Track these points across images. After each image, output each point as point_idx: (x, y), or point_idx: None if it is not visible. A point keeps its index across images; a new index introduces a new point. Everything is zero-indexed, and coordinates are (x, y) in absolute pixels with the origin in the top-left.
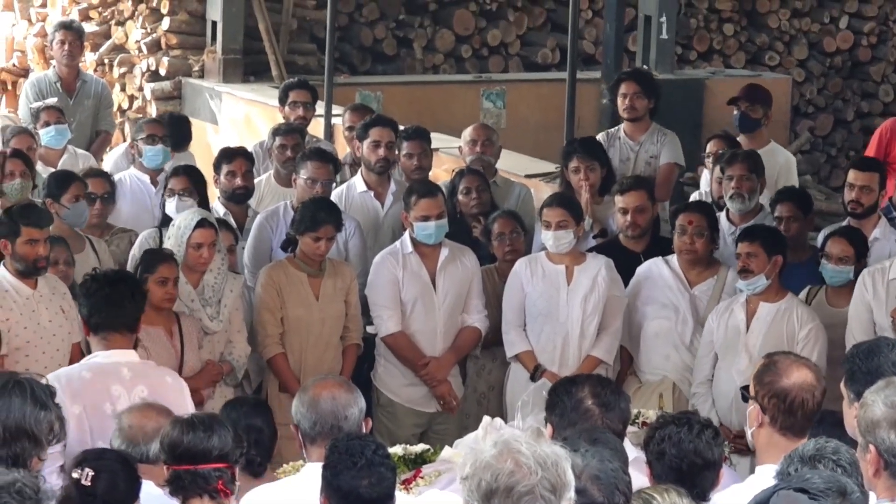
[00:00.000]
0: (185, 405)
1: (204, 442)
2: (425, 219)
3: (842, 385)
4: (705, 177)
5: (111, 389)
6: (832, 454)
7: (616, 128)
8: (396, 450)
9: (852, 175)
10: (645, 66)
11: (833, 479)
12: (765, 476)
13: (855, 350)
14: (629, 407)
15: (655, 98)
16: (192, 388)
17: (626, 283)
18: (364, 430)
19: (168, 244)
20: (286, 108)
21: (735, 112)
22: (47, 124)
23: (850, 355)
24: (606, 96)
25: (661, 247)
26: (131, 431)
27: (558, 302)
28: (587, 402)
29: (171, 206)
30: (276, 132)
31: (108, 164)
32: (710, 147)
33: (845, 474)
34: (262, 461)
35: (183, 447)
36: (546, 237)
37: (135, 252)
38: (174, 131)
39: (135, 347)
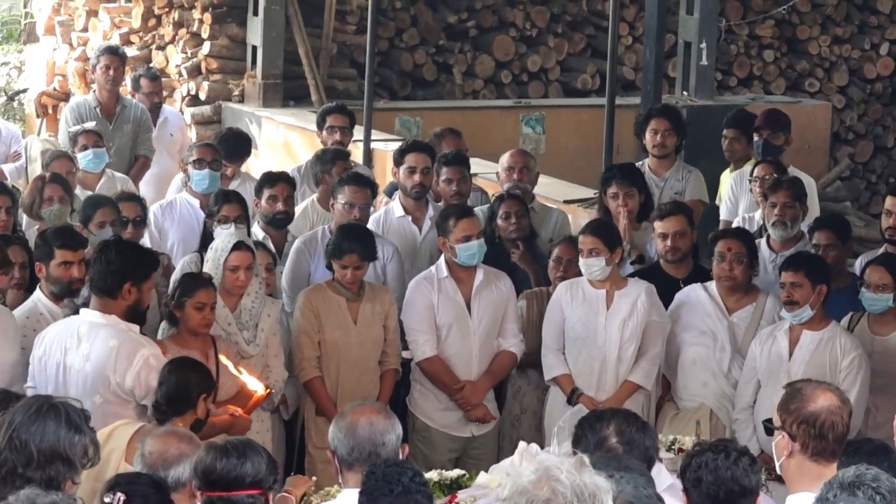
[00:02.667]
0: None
1: (237, 468)
2: (467, 239)
3: None
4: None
5: (66, 343)
6: (872, 482)
7: (640, 162)
8: (432, 475)
9: (890, 202)
10: (685, 93)
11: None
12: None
13: None
14: (656, 443)
15: (683, 135)
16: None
17: (665, 309)
18: (401, 457)
19: (206, 267)
20: (324, 132)
21: (756, 139)
22: (85, 148)
23: None
24: None
25: (701, 274)
26: (151, 458)
27: (596, 326)
28: (611, 441)
29: (225, 234)
30: (336, 156)
31: (171, 189)
32: (758, 172)
33: (884, 502)
34: (165, 411)
35: (216, 473)
36: (580, 264)
37: (175, 276)
38: (230, 145)
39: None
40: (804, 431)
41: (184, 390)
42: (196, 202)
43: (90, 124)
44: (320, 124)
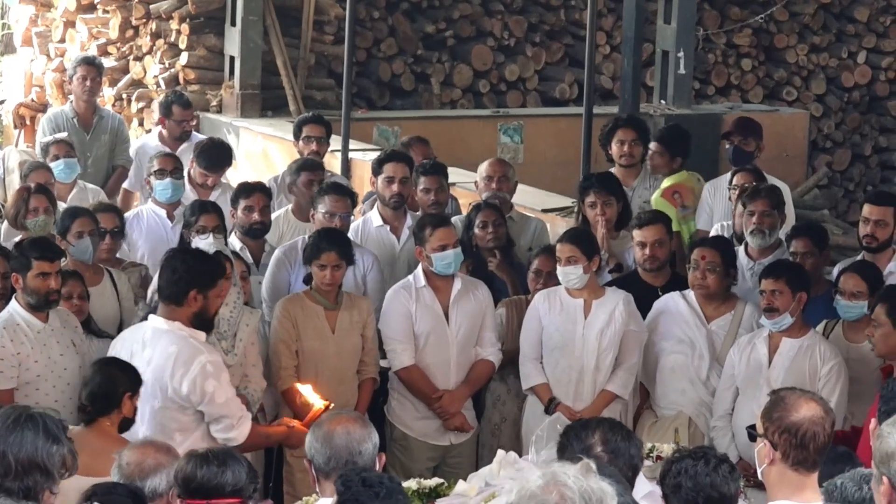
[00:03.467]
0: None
1: (217, 477)
2: (443, 248)
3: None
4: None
5: (132, 348)
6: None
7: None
8: (410, 484)
9: (867, 209)
10: (662, 102)
11: None
12: None
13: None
14: (640, 452)
15: (647, 144)
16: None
17: (644, 318)
18: (378, 466)
19: None
20: (300, 142)
21: (727, 146)
22: (56, 158)
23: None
24: None
25: (680, 283)
26: (129, 468)
27: (574, 335)
28: (596, 449)
29: (203, 244)
30: (302, 167)
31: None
32: (737, 180)
33: None
34: (90, 410)
35: (197, 482)
36: (558, 272)
37: (153, 287)
38: (211, 155)
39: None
40: (785, 441)
41: (109, 390)
42: (163, 212)
43: (62, 134)
44: (297, 135)
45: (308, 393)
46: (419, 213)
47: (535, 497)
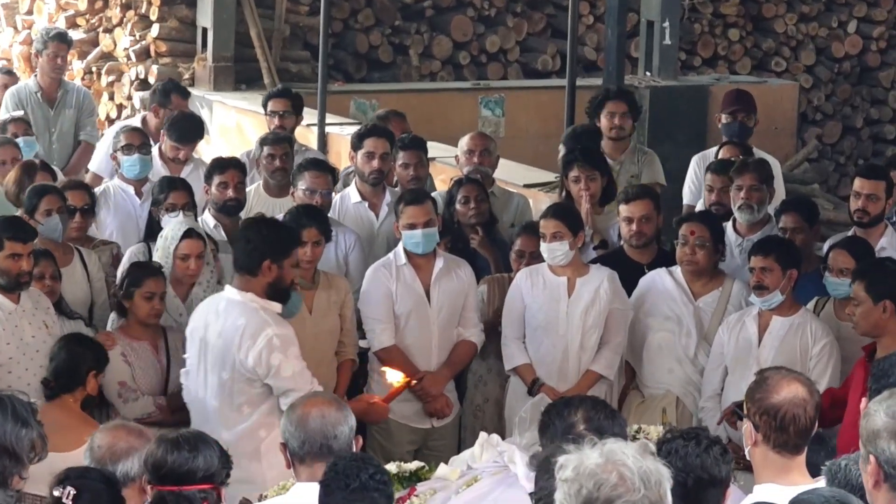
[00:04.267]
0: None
1: (189, 462)
2: (412, 227)
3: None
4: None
5: (207, 318)
6: None
7: None
8: (391, 467)
9: (858, 183)
10: (648, 73)
11: (838, 493)
12: (762, 495)
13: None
14: (625, 431)
15: (637, 117)
16: (178, 405)
17: (629, 295)
18: (355, 449)
19: (156, 256)
20: (267, 117)
21: (727, 121)
22: (15, 136)
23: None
24: None
25: (666, 259)
26: (100, 452)
27: (558, 314)
28: (579, 427)
29: (173, 222)
30: (263, 142)
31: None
32: (724, 153)
33: None
34: (54, 387)
35: (167, 467)
36: (542, 249)
37: (123, 266)
38: (181, 128)
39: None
40: (765, 423)
41: (72, 366)
42: (130, 188)
43: (18, 113)
44: (264, 108)
45: (386, 369)
46: (398, 188)
47: (593, 475)
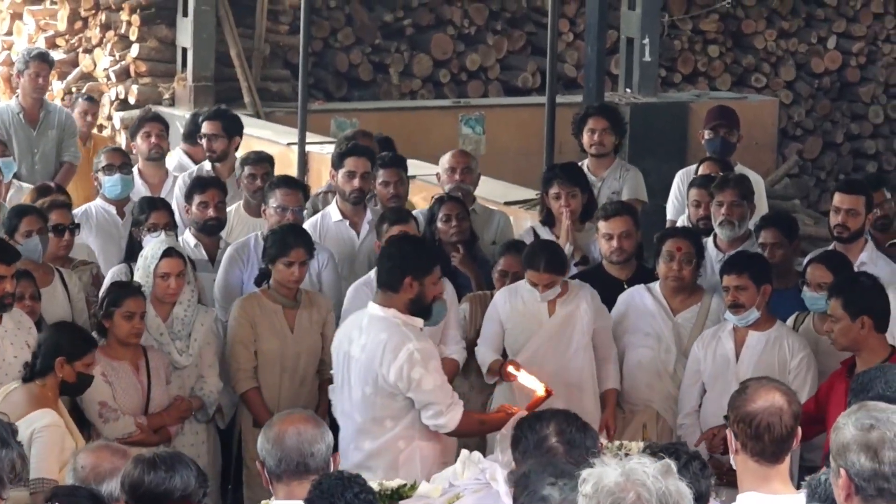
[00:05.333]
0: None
1: (166, 482)
2: None
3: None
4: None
5: (351, 334)
6: None
7: (581, 162)
8: (372, 485)
9: (838, 198)
10: (628, 90)
11: None
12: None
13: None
14: (597, 444)
15: (622, 135)
16: (159, 425)
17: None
18: (333, 467)
19: (136, 276)
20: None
21: (709, 136)
22: None
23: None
24: None
25: (645, 276)
26: (84, 472)
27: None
28: (551, 440)
29: (154, 242)
30: (244, 161)
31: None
32: (703, 170)
33: None
34: (31, 371)
35: (144, 488)
36: (539, 296)
37: (105, 286)
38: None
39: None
40: (742, 431)
41: (45, 352)
42: (112, 208)
43: None
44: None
45: (527, 379)
46: (378, 207)
47: (611, 494)
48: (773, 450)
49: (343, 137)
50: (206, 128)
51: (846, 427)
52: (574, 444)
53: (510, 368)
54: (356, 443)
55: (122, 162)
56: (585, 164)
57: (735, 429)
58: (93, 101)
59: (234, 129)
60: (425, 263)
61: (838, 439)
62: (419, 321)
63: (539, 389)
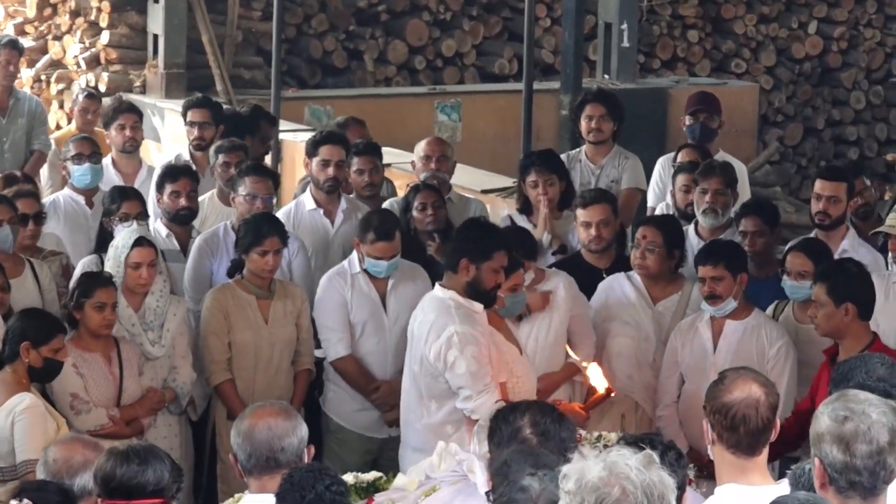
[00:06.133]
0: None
1: (138, 476)
2: (378, 259)
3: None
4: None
5: (417, 312)
6: None
7: (577, 150)
8: (347, 478)
9: (819, 185)
10: (606, 76)
11: (814, 498)
12: (723, 497)
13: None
14: (574, 435)
15: (620, 121)
16: (132, 417)
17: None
18: (307, 459)
19: (107, 266)
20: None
21: (690, 122)
22: None
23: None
24: (566, 107)
25: (625, 264)
26: (55, 465)
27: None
28: (525, 431)
29: (124, 231)
30: (218, 150)
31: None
32: (682, 156)
33: None
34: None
35: (116, 481)
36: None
37: (75, 277)
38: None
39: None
40: (718, 422)
41: (11, 338)
42: (81, 198)
43: None
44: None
45: (595, 374)
46: (353, 195)
47: (596, 490)
48: (748, 441)
49: (334, 124)
50: (193, 115)
51: (822, 416)
52: (548, 436)
53: (583, 362)
54: (408, 422)
55: (91, 151)
56: (583, 151)
57: (711, 419)
58: (93, 97)
59: (219, 118)
60: (484, 248)
61: (814, 429)
62: (478, 306)
63: (600, 388)
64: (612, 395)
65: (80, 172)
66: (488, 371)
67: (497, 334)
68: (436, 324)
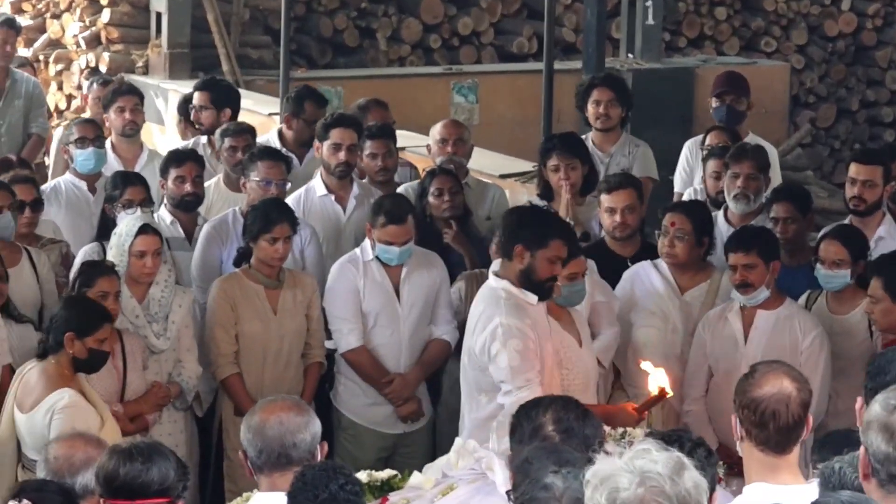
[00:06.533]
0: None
1: (142, 475)
2: (389, 244)
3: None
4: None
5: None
6: None
7: (584, 136)
8: (361, 476)
9: (854, 169)
10: (630, 55)
11: (857, 498)
12: (751, 496)
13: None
14: (599, 431)
15: (629, 107)
16: (136, 413)
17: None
18: (320, 456)
19: (110, 255)
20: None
21: (716, 105)
22: None
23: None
24: None
25: (650, 252)
26: (57, 463)
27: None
28: (547, 429)
29: (128, 218)
30: (224, 133)
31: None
32: (711, 139)
33: None
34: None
35: (120, 480)
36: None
37: (76, 266)
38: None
39: None
40: (747, 417)
41: (55, 328)
42: (83, 184)
43: None
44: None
45: (655, 373)
46: (366, 180)
47: None
48: (777, 439)
49: (355, 106)
50: (194, 98)
51: (874, 404)
52: (571, 432)
53: (643, 363)
54: (464, 415)
55: (95, 135)
56: (590, 138)
57: (740, 415)
58: (108, 84)
59: (223, 101)
60: (540, 235)
61: (866, 416)
62: (532, 297)
63: (654, 388)
64: (666, 396)
65: (83, 157)
66: (533, 366)
67: (555, 324)
68: (484, 314)
